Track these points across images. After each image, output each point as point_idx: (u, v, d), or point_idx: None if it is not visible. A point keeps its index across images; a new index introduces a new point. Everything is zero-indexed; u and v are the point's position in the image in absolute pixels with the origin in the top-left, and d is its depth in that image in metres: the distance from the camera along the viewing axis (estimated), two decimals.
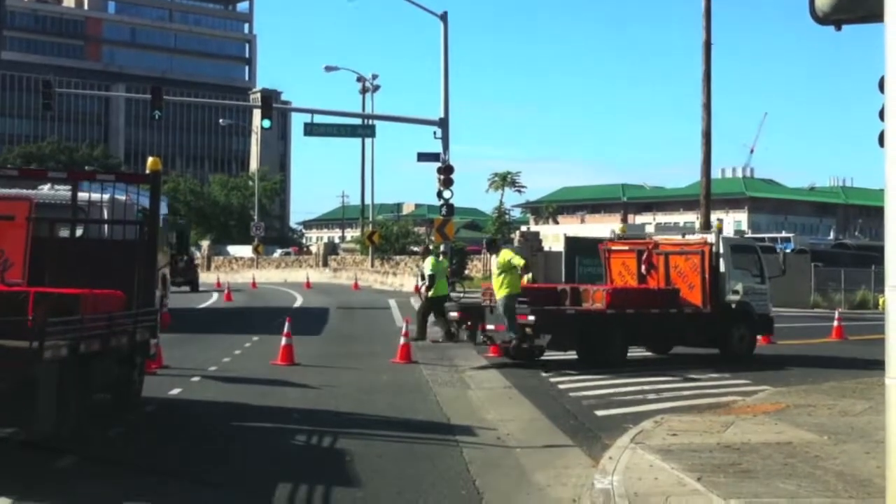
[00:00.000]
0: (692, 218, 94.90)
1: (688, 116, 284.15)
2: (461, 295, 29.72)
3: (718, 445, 11.12)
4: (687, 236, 25.24)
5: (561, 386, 17.66)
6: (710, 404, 15.56)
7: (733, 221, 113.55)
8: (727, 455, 10.53)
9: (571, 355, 21.03)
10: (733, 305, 22.61)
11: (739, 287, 22.63)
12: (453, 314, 21.95)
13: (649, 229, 42.10)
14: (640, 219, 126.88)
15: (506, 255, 20.65)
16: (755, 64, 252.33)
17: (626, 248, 23.95)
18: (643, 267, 22.92)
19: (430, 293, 23.70)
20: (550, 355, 21.33)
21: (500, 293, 20.32)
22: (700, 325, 22.07)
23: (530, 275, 26.39)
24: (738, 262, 23.18)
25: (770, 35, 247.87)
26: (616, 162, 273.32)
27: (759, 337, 24.23)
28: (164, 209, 18.44)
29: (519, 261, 20.43)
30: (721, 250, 22.61)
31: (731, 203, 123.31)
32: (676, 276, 22.56)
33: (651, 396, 16.64)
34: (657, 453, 10.57)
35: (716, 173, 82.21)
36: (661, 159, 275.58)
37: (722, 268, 22.52)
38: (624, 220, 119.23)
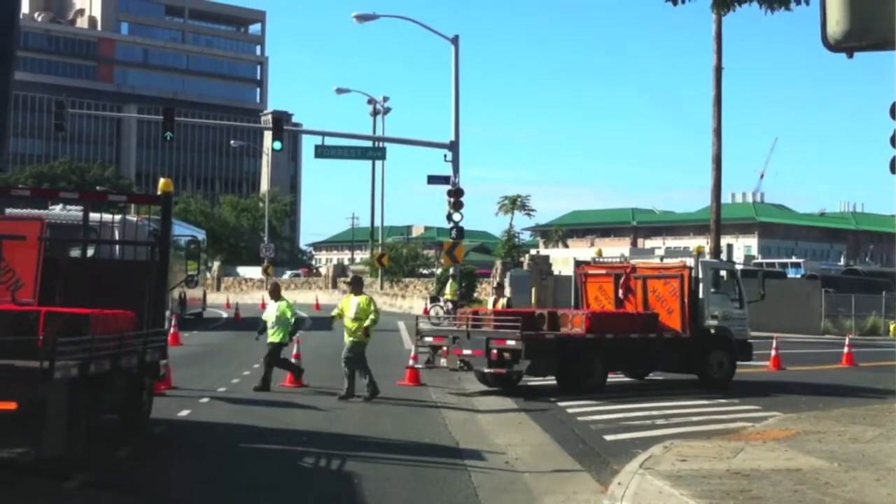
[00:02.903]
0: (702, 242, 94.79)
1: (698, 141, 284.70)
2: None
3: (728, 472, 11.06)
4: (665, 260, 25.14)
5: (570, 410, 17.62)
6: (719, 430, 15.52)
7: (743, 246, 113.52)
8: (737, 482, 10.48)
9: (550, 381, 20.64)
10: (713, 331, 22.39)
11: (718, 312, 22.48)
12: (429, 339, 21.39)
13: (659, 253, 42.01)
14: (649, 243, 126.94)
15: (366, 300, 19.19)
16: (766, 89, 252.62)
17: (603, 272, 23.62)
18: (620, 291, 22.59)
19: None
20: (529, 381, 20.88)
21: (350, 337, 19.04)
22: (679, 351, 21.78)
23: (504, 300, 26.08)
24: (716, 286, 22.93)
25: (781, 60, 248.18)
26: (626, 186, 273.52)
27: (768, 363, 24.09)
28: (189, 231, 17.88)
29: (373, 313, 18.99)
30: (700, 274, 22.37)
31: (742, 228, 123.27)
32: (655, 300, 22.23)
33: (660, 421, 16.59)
34: (666, 479, 10.52)
35: (726, 198, 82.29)
36: (672, 183, 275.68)
37: (701, 292, 22.27)
38: (633, 244, 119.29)
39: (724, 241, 47.49)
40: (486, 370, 20.15)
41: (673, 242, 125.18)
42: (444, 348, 20.71)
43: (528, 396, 19.33)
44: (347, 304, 19.39)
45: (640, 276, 22.65)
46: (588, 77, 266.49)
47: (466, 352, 20.19)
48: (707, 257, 40.25)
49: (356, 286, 20.17)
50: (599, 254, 26.79)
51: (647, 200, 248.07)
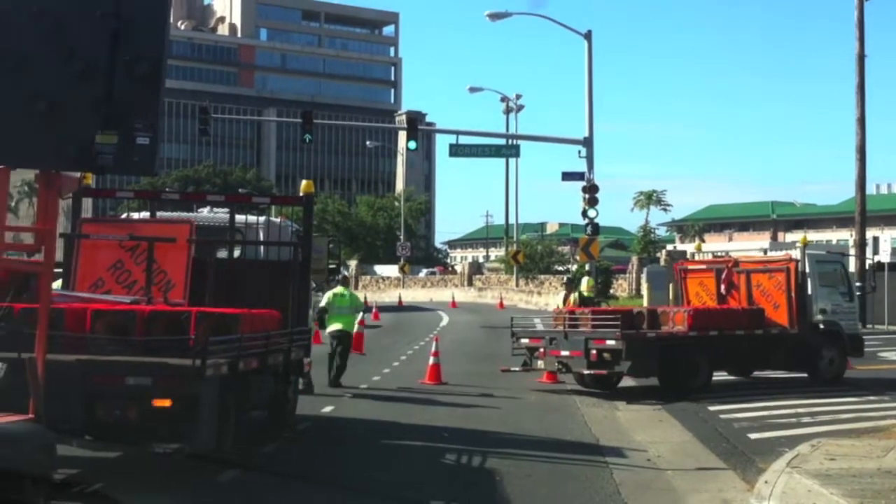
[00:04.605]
0: (846, 236, 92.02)
1: (840, 131, 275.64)
2: None
3: (879, 471, 10.76)
4: (770, 253, 24.33)
5: (711, 407, 17.34)
6: (868, 428, 15.06)
7: (890, 239, 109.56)
8: (889, 481, 10.18)
9: (653, 382, 19.98)
10: (821, 326, 21.54)
11: (827, 306, 21.69)
12: (525, 340, 20.84)
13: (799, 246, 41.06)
14: (790, 237, 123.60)
15: (345, 292, 19.91)
16: None
17: (704, 267, 22.97)
18: (723, 286, 21.79)
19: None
20: (629, 383, 20.38)
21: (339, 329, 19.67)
22: (787, 347, 20.92)
23: (575, 295, 25.65)
24: (824, 279, 22.07)
25: None
26: (764, 179, 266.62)
27: None
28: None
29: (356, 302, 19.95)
30: (807, 267, 21.55)
31: (888, 220, 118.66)
32: (759, 295, 21.39)
33: (806, 419, 16.21)
34: (815, 478, 10.30)
35: (870, 189, 79.64)
36: (813, 175, 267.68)
37: (808, 286, 21.44)
38: (773, 237, 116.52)
39: (870, 233, 45.87)
40: (586, 372, 19.52)
41: (815, 236, 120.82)
42: (542, 350, 20.16)
43: (668, 394, 19.05)
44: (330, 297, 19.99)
45: (743, 271, 21.86)
46: (724, 70, 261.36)
47: (564, 353, 19.54)
48: (850, 250, 39.14)
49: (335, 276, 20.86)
50: (699, 248, 26.13)
51: (786, 193, 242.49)
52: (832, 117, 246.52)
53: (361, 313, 21.17)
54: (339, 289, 20.24)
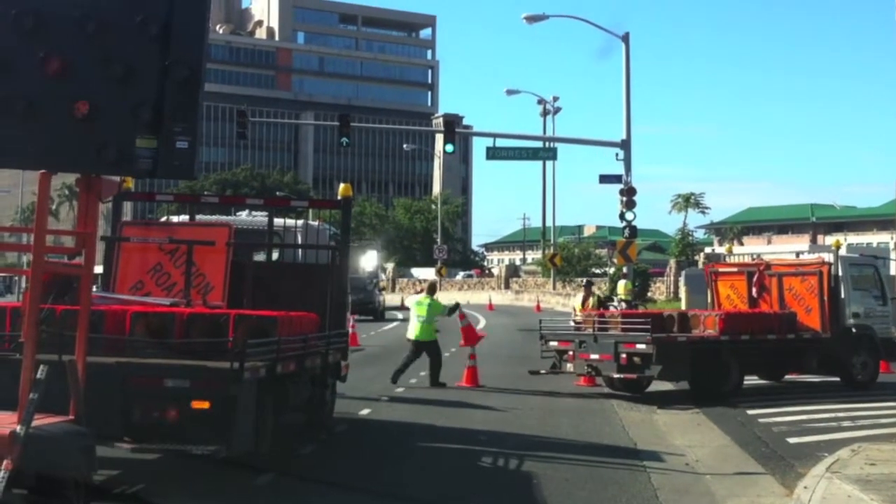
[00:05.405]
0: (886, 238, 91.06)
1: (884, 133, 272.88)
2: None
3: None
4: (801, 256, 24.11)
5: (750, 411, 17.24)
6: None
7: None
8: None
9: (684, 385, 19.93)
10: (854, 330, 21.28)
11: (860, 310, 21.45)
12: (554, 343, 20.76)
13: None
14: (829, 239, 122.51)
15: (424, 300, 21.15)
16: None
17: (735, 269, 22.80)
18: (754, 290, 21.57)
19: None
20: (658, 387, 20.24)
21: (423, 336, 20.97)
22: (819, 352, 20.67)
23: (594, 298, 25.41)
24: (857, 282, 21.82)
25: None
26: (804, 182, 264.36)
27: None
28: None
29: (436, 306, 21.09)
30: (840, 271, 21.32)
31: None
32: (791, 298, 21.18)
33: (846, 424, 16.07)
34: (855, 483, 10.20)
35: None
36: (855, 177, 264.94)
37: (841, 289, 21.20)
38: (813, 240, 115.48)
39: None
40: (616, 375, 19.45)
41: (855, 238, 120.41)
42: (571, 353, 20.11)
43: (706, 397, 18.94)
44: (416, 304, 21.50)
45: (775, 274, 21.64)
46: (763, 72, 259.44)
47: (594, 356, 19.47)
48: (891, 253, 38.82)
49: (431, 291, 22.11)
50: (730, 250, 25.86)
51: (827, 195, 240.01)
52: (875, 119, 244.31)
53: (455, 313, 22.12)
54: (421, 296, 21.74)
